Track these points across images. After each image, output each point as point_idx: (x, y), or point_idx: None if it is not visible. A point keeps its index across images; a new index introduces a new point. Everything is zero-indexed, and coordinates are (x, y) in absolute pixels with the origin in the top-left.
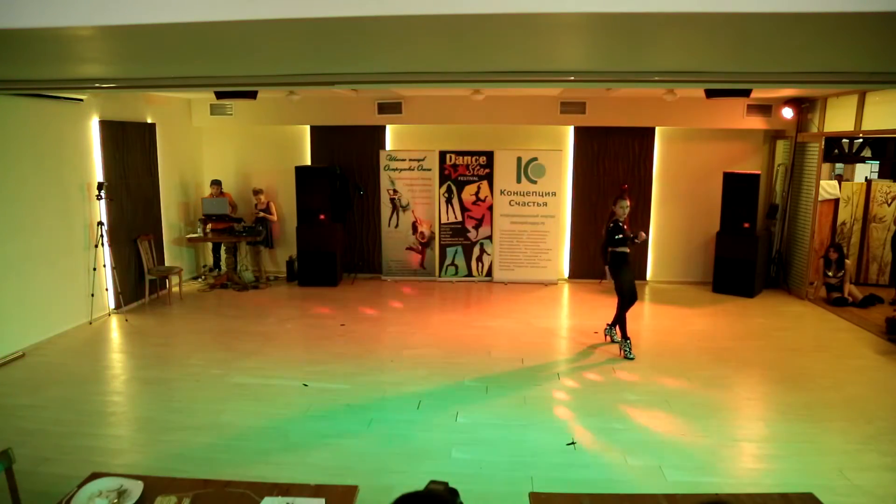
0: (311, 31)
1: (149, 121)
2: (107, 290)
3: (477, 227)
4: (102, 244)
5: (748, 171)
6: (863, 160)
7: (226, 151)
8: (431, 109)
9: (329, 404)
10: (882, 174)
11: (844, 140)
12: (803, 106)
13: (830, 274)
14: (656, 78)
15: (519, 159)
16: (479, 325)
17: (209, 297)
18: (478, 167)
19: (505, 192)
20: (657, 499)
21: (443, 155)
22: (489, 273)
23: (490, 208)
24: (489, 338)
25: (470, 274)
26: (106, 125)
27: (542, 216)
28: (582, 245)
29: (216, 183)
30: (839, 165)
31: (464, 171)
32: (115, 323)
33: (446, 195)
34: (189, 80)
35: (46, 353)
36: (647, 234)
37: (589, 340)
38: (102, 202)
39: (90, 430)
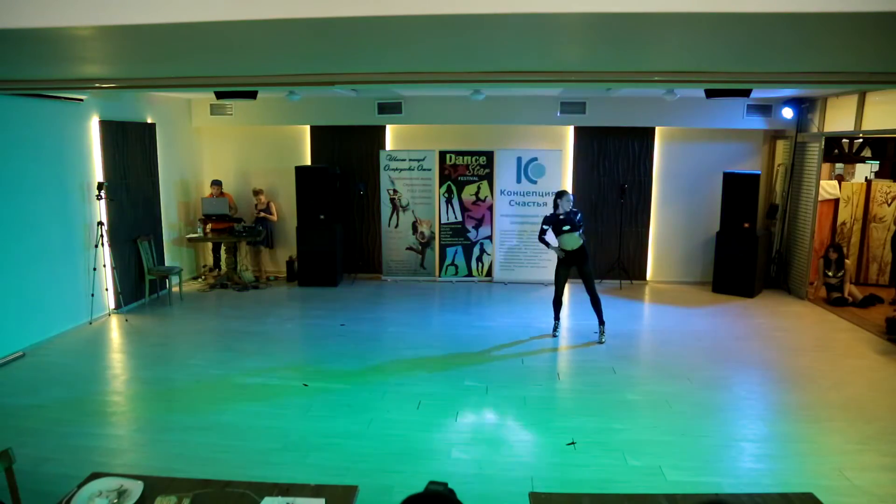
0: (311, 31)
1: (149, 121)
2: (107, 290)
3: (477, 227)
4: (102, 244)
5: (748, 171)
6: (863, 160)
7: (226, 151)
8: (431, 109)
9: (329, 404)
10: (882, 174)
11: (844, 140)
12: (803, 106)
13: (830, 274)
14: (656, 78)
15: (519, 159)
16: (479, 325)
17: (209, 297)
18: (478, 167)
19: (505, 192)
20: (657, 499)
21: (443, 155)
22: (489, 273)
23: (490, 208)
24: (489, 338)
25: (470, 274)
26: (106, 125)
27: (543, 216)
28: None
29: (216, 183)
30: (839, 165)
31: (464, 171)
32: (115, 323)
33: (446, 195)
34: (189, 80)
35: (46, 353)
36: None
37: (589, 340)
38: (102, 202)
39: (90, 430)
